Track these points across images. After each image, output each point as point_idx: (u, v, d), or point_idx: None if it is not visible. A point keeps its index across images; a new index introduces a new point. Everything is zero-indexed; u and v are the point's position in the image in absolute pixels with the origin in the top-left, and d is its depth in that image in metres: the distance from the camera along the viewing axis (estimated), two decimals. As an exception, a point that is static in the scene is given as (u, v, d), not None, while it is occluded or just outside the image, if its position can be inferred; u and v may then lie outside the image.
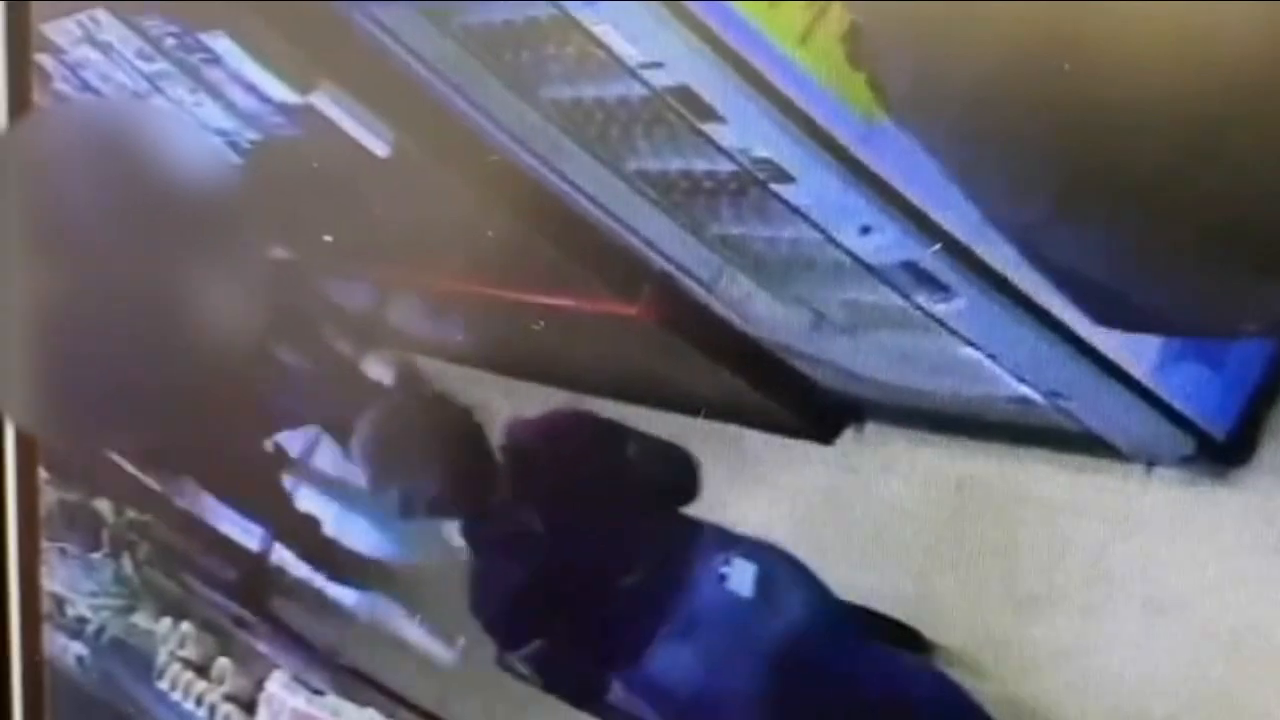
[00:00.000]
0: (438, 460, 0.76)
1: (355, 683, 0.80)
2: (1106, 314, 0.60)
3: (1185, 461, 0.60)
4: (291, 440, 0.85)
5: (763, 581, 0.68)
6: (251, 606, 0.85)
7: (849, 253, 0.65)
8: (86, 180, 0.81)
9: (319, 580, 0.82)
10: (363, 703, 0.80)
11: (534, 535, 0.72)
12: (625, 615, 0.70)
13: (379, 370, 0.80)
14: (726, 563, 0.68)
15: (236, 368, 0.79)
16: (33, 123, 0.88)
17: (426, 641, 0.77)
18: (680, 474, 0.70)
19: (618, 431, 0.71)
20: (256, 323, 0.79)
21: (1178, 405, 0.61)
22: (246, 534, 0.85)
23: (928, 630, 0.64)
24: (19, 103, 0.86)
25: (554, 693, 0.73)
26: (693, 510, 0.70)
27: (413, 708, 0.79)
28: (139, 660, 0.90)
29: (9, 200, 0.82)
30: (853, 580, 0.66)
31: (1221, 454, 0.59)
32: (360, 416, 0.78)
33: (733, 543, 0.69)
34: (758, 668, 0.67)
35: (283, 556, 0.83)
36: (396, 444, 0.77)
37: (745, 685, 0.68)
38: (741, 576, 0.68)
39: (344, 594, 0.81)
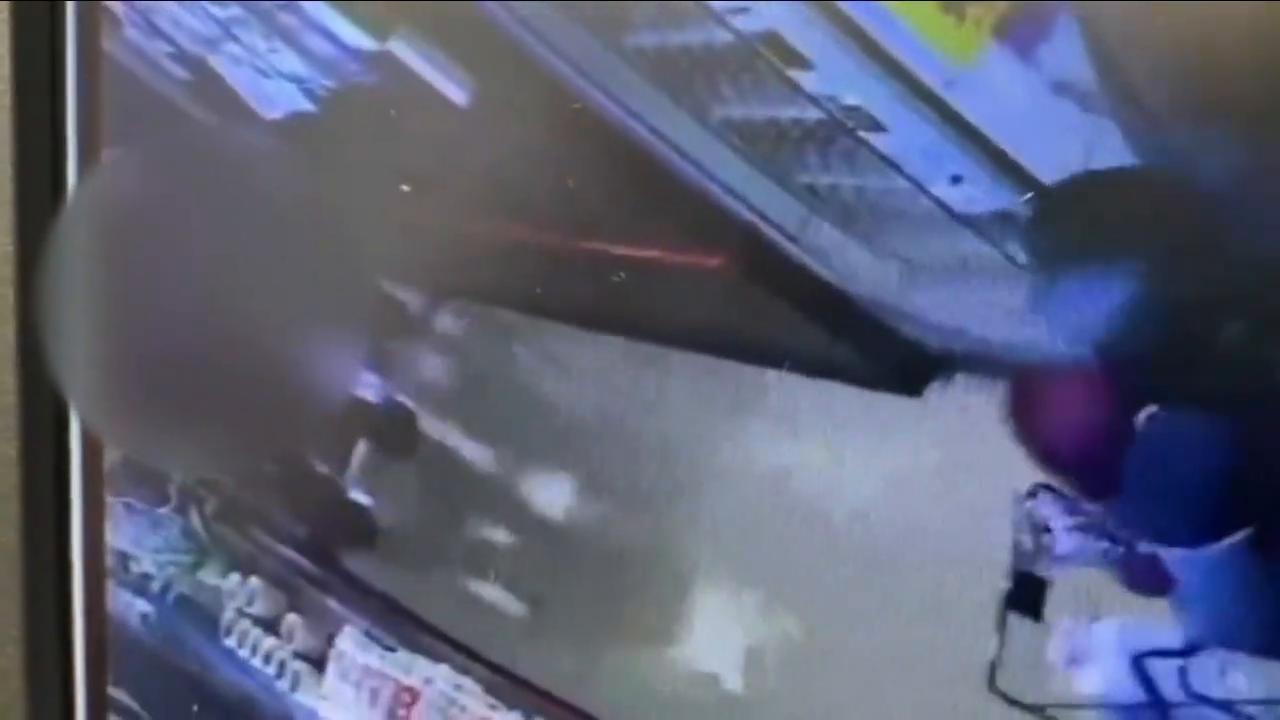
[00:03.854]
0: None
1: (429, 639, 0.79)
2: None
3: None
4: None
5: None
6: (323, 561, 0.84)
7: (939, 203, 0.64)
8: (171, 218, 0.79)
9: (392, 535, 0.81)
10: (436, 659, 0.79)
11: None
12: None
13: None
14: None
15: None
16: (103, 176, 0.86)
17: (502, 597, 0.76)
18: None
19: None
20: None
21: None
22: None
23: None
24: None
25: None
26: (789, 471, 0.68)
27: (487, 664, 0.77)
28: (205, 617, 0.89)
29: (96, 242, 0.80)
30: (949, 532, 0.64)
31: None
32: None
33: None
34: None
35: (357, 509, 0.82)
36: None
37: None
38: None
39: (417, 548, 0.80)
